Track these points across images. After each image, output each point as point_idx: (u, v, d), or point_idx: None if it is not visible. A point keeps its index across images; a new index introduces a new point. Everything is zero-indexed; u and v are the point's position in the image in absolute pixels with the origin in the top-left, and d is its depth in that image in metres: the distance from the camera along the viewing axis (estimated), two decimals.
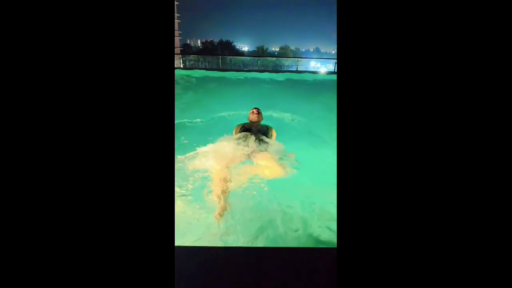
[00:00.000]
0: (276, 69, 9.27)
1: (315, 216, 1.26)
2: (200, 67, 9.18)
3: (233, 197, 1.26)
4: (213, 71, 6.99)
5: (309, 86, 6.12)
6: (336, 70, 7.39)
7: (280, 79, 6.49)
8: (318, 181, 1.42)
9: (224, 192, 1.25)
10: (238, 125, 1.82)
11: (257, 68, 7.88)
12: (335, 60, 7.90)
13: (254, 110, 1.90)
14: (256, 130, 1.69)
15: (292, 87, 5.84)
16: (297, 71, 7.30)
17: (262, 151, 1.37)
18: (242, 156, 1.35)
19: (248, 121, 1.89)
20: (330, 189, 1.20)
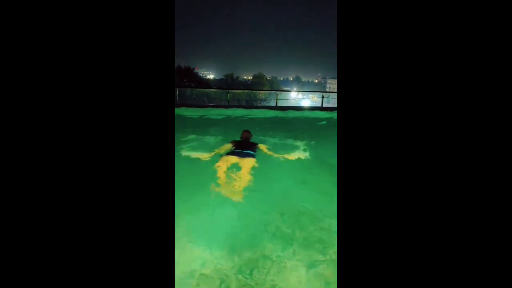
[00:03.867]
0: (251, 104, 9.70)
1: None
2: None
3: None
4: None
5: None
6: (322, 105, 7.94)
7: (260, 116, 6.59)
8: None
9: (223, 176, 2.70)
10: (234, 140, 3.46)
11: (226, 103, 8.08)
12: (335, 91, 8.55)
13: (244, 131, 3.72)
14: (246, 144, 3.32)
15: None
16: (276, 107, 7.58)
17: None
18: (234, 159, 2.99)
19: (240, 138, 3.62)
20: None
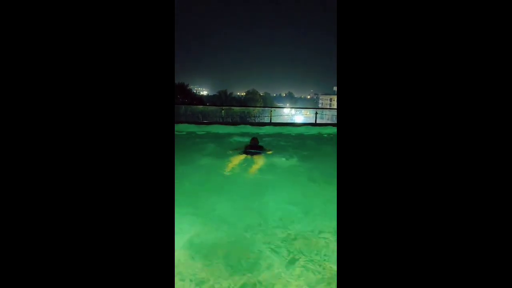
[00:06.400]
0: (245, 120, 9.81)
1: None
2: None
3: None
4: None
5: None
6: (316, 122, 8.10)
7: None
8: None
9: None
10: (246, 144, 4.60)
11: (221, 120, 8.17)
12: (334, 106, 8.73)
13: (253, 139, 4.70)
14: (254, 146, 4.44)
15: None
16: (271, 123, 7.70)
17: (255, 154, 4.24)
18: (244, 156, 4.15)
19: (249, 143, 4.71)
20: None
